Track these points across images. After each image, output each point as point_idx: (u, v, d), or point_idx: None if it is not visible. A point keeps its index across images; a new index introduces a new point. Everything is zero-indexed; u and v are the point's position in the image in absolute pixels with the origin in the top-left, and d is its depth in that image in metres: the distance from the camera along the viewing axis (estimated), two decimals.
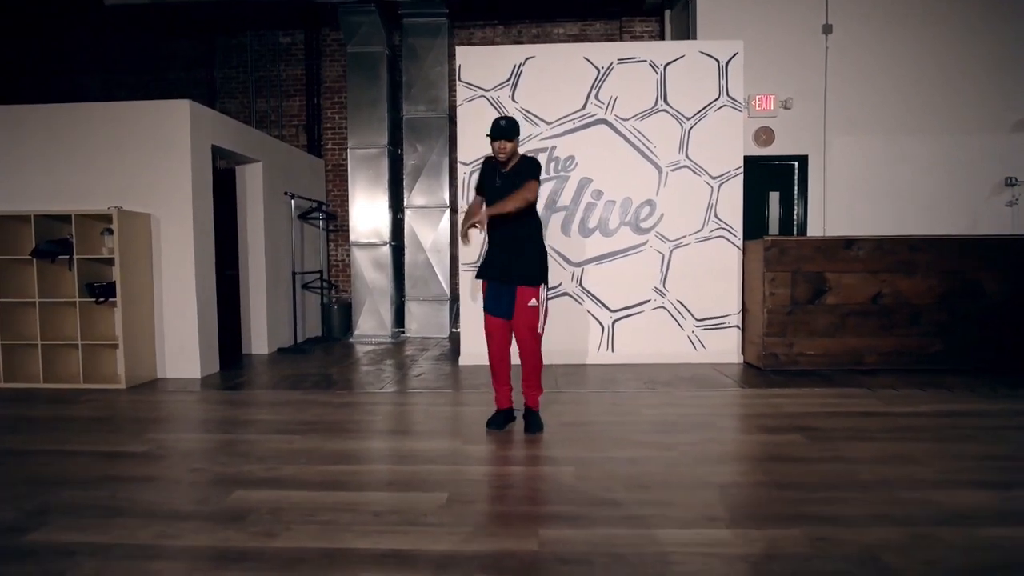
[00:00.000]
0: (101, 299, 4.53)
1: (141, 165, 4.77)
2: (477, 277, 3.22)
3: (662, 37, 7.34)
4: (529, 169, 3.04)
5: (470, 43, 7.59)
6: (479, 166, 5.16)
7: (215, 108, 7.79)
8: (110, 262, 4.57)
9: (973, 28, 6.20)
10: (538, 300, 3.07)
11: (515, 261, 3.04)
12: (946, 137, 6.29)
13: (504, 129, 2.98)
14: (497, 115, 3.14)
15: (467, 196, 5.26)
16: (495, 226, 3.06)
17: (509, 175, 3.06)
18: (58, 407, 3.88)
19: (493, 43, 7.50)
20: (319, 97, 7.81)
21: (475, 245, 5.24)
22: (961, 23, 6.21)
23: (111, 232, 4.50)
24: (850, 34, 6.22)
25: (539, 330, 3.09)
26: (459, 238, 3.25)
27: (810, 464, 2.61)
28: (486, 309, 3.13)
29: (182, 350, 4.87)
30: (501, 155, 3.03)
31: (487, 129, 5.14)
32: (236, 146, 5.48)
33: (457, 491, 2.37)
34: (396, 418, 3.55)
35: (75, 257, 4.47)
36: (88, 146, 4.76)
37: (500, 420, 3.23)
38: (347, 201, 7.31)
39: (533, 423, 3.15)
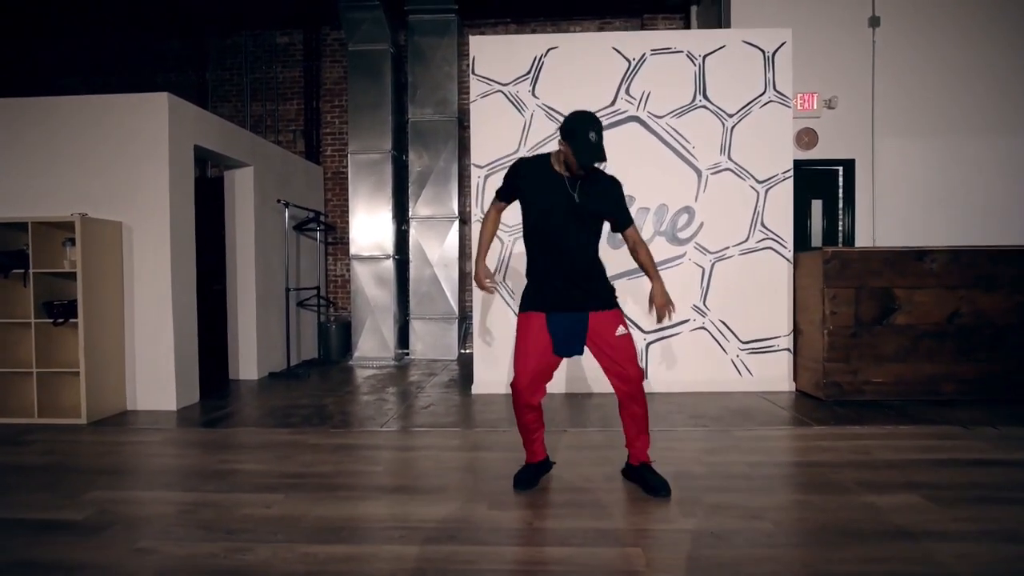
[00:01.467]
0: (60, 320, 3.91)
1: (112, 166, 4.18)
2: (524, 310, 2.47)
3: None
4: (621, 197, 2.47)
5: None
6: (500, 167, 4.58)
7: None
8: (72, 277, 3.96)
9: None
10: (625, 327, 2.46)
11: (583, 282, 2.41)
12: (1004, 138, 5.70)
13: (603, 151, 2.24)
14: (584, 114, 2.31)
15: (482, 204, 4.66)
16: (546, 244, 2.41)
17: (595, 188, 2.37)
18: None
19: (513, 35, 6.96)
20: (318, 100, 7.25)
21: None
22: (1020, 13, 5.65)
23: (73, 243, 3.90)
24: (899, 27, 5.66)
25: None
26: (480, 286, 2.63)
27: (955, 542, 1.97)
28: (556, 352, 2.43)
29: (156, 378, 4.24)
30: (583, 174, 2.33)
31: (504, 127, 4.67)
32: (223, 147, 4.90)
33: None
34: (401, 468, 2.90)
35: (31, 271, 3.86)
36: (51, 145, 4.18)
37: (533, 475, 2.57)
38: (347, 211, 6.72)
39: (658, 482, 2.44)
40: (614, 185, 2.48)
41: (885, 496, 2.37)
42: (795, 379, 4.59)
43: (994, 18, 5.63)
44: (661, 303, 2.53)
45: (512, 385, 2.45)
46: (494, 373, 4.66)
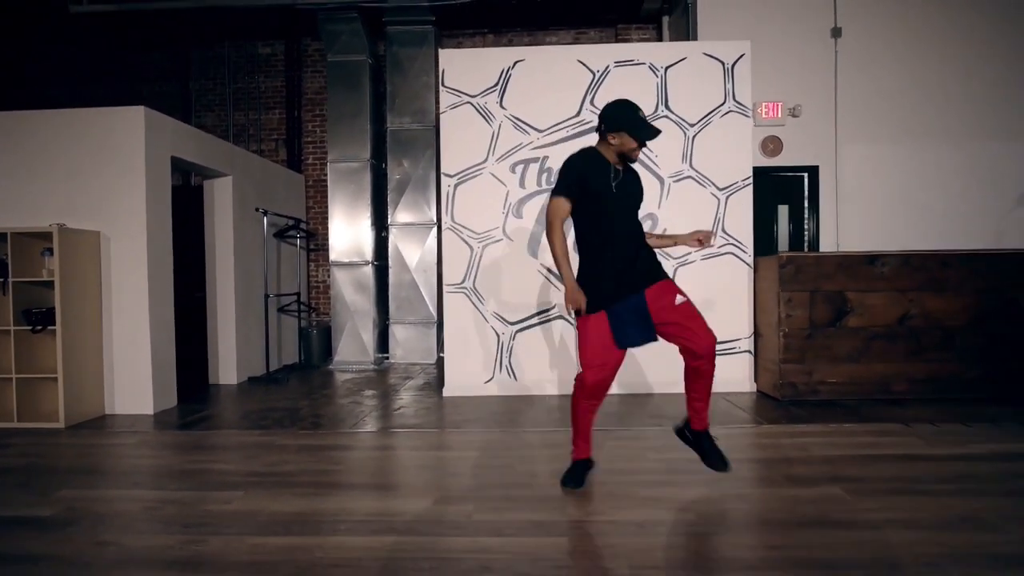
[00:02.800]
0: (39, 327, 4.04)
1: (90, 178, 4.31)
2: (592, 310, 2.43)
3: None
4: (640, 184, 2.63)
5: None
6: (470, 176, 4.73)
7: (191, 121, 7.39)
8: (51, 285, 4.09)
9: (992, 28, 5.82)
10: (682, 294, 2.47)
11: (637, 263, 2.46)
12: (965, 146, 5.88)
13: (656, 127, 2.42)
14: (621, 103, 2.51)
15: (451, 212, 4.81)
16: (608, 232, 2.46)
17: (626, 179, 2.51)
18: None
19: (481, 48, 7.11)
20: (300, 110, 7.40)
21: (461, 263, 4.78)
22: (979, 24, 5.83)
23: (51, 252, 4.03)
24: (861, 37, 5.84)
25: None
26: (574, 305, 2.42)
27: (859, 531, 2.11)
28: (619, 346, 2.44)
29: (134, 383, 4.37)
30: (638, 155, 2.50)
31: (473, 138, 4.82)
32: (200, 158, 5.04)
33: (411, 568, 1.87)
34: (361, 467, 3.04)
35: (10, 280, 4.00)
36: (30, 157, 4.31)
37: (581, 474, 2.60)
38: (327, 219, 6.85)
39: (718, 455, 2.52)
40: (635, 172, 2.63)
41: (808, 489, 2.53)
42: (756, 380, 4.75)
43: (951, 30, 5.81)
44: (703, 235, 2.64)
45: (579, 381, 2.50)
46: (465, 376, 4.80)
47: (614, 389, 4.59)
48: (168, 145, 4.60)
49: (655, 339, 2.47)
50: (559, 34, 7.24)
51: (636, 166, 2.65)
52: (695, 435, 2.60)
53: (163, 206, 4.54)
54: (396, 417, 4.12)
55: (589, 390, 2.49)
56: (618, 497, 2.47)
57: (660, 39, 6.94)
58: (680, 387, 4.62)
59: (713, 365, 2.47)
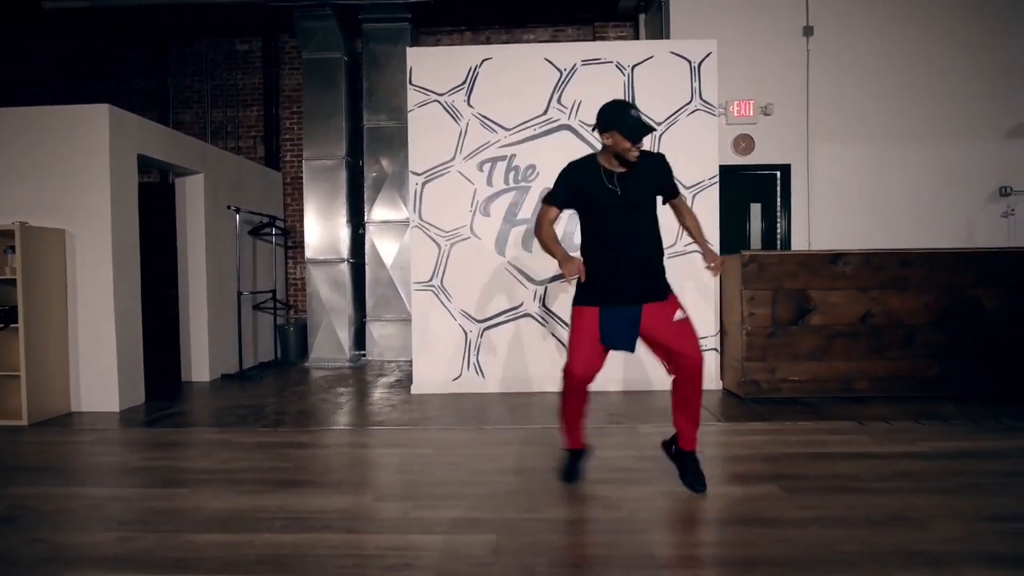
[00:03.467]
0: (1, 325, 4.04)
1: (55, 176, 4.31)
2: (584, 303, 2.46)
3: (635, 41, 6.97)
4: (666, 170, 2.54)
5: (430, 47, 7.20)
6: (437, 174, 4.71)
7: (168, 118, 7.38)
8: (15, 283, 4.09)
9: (964, 28, 5.85)
10: (683, 310, 2.45)
11: (638, 275, 2.42)
12: (937, 144, 5.91)
13: (648, 126, 2.33)
14: (616, 103, 2.43)
15: (419, 210, 4.82)
16: (601, 240, 2.45)
17: (634, 177, 2.40)
18: None
19: (449, 47, 7.11)
20: (277, 107, 7.39)
21: (429, 259, 4.80)
22: (951, 23, 5.85)
23: (14, 250, 4.03)
24: (832, 36, 5.86)
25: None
26: (570, 273, 2.35)
27: (784, 528, 2.14)
28: (604, 343, 2.45)
29: (99, 380, 4.38)
30: (634, 154, 2.35)
31: (440, 136, 4.83)
32: (170, 156, 5.04)
33: (340, 573, 1.89)
34: (309, 464, 3.05)
35: None
36: None
37: (574, 465, 2.64)
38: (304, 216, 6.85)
39: (699, 476, 2.50)
40: (658, 160, 2.53)
41: (745, 487, 2.56)
42: (722, 378, 4.78)
43: (921, 29, 5.83)
44: (717, 261, 2.55)
45: (565, 371, 2.50)
46: (433, 374, 4.81)
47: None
48: (134, 143, 4.60)
49: (632, 351, 2.48)
50: (537, 31, 7.23)
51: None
52: (679, 454, 2.58)
53: (129, 204, 4.54)
54: (358, 415, 4.14)
55: (575, 382, 2.50)
56: (558, 495, 2.50)
57: (637, 37, 6.95)
58: (647, 386, 4.68)
59: (696, 388, 2.46)
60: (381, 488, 2.63)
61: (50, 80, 7.55)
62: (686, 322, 2.45)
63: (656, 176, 2.51)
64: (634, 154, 2.35)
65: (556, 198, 2.50)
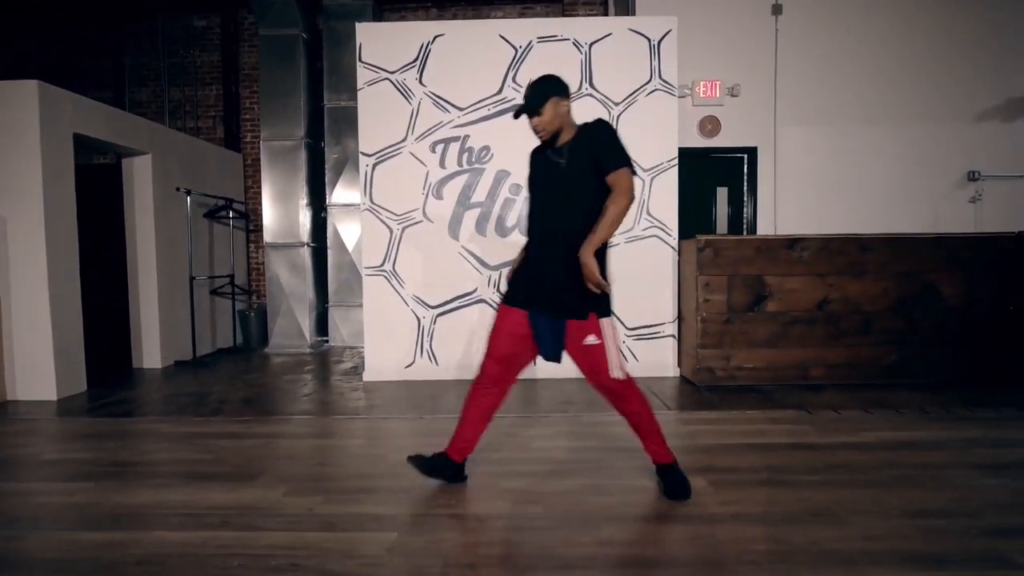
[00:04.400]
0: None
1: None
2: (504, 302, 2.32)
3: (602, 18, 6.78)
4: (604, 137, 2.15)
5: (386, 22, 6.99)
6: (389, 155, 4.53)
7: (124, 98, 7.14)
8: None
9: (935, 12, 5.71)
10: (598, 335, 2.18)
11: (558, 284, 2.16)
12: (905, 128, 5.79)
13: (527, 100, 2.14)
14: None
15: (370, 193, 4.67)
16: (534, 228, 2.26)
17: (569, 156, 2.16)
18: None
19: (400, 22, 6.90)
20: (237, 86, 7.16)
21: (380, 247, 4.66)
22: (922, 7, 5.71)
23: None
24: (801, 16, 5.70)
25: (615, 374, 2.21)
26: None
27: (700, 525, 2.05)
28: (540, 352, 2.27)
29: (35, 367, 4.23)
30: (541, 134, 2.19)
31: (391, 116, 4.67)
32: (112, 136, 4.84)
33: (223, 574, 1.78)
34: (230, 455, 2.92)
35: None
36: None
37: (437, 468, 2.42)
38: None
39: (680, 485, 2.29)
40: (596, 128, 2.20)
41: None
42: (679, 365, 4.69)
43: (892, 11, 5.68)
44: (590, 270, 2.06)
45: (480, 367, 2.37)
46: (386, 361, 4.70)
47: (527, 374, 4.56)
48: (68, 121, 4.40)
49: (559, 361, 2.27)
50: (505, 8, 7.02)
51: None
52: (657, 470, 2.39)
53: (64, 185, 4.35)
54: (301, 403, 4.02)
55: (483, 378, 2.36)
56: (477, 489, 2.40)
57: (606, 14, 6.76)
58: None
59: (629, 408, 2.31)
60: (295, 481, 2.52)
61: (1, 63, 7.27)
62: (598, 349, 2.18)
63: (589, 145, 2.16)
64: (541, 136, 2.23)
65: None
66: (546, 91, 2.20)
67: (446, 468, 2.42)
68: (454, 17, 7.03)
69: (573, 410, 3.67)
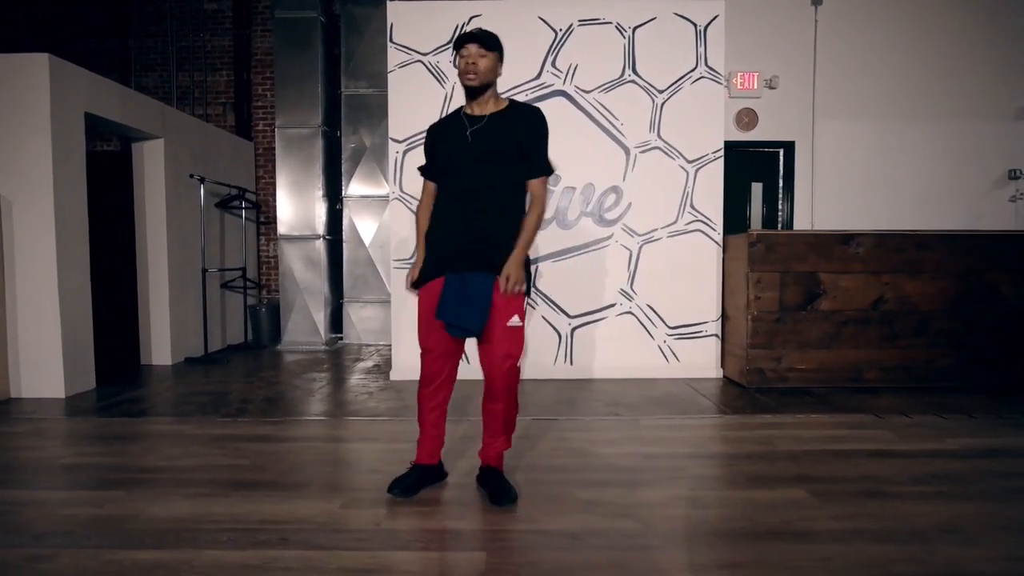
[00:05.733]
0: None
1: None
2: (420, 284, 2.18)
3: None
4: (533, 130, 2.11)
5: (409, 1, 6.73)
6: (420, 142, 4.32)
7: (130, 82, 6.83)
8: None
9: (975, 7, 5.55)
10: (522, 317, 2.10)
11: (487, 237, 2.07)
12: (944, 125, 5.64)
13: (479, 34, 2.05)
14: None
15: (400, 181, 4.42)
16: (448, 195, 2.14)
17: (487, 130, 2.06)
18: None
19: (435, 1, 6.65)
20: (249, 72, 6.88)
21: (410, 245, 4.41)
22: (961, 1, 5.55)
23: None
24: (842, 7, 5.52)
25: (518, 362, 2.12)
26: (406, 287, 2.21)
27: (823, 544, 1.83)
28: (440, 317, 2.05)
29: (42, 363, 3.94)
30: (470, 76, 2.02)
31: (424, 100, 4.42)
32: (122, 116, 4.55)
33: None
34: (269, 461, 2.67)
35: None
36: None
37: (415, 482, 2.21)
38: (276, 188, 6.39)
39: (501, 490, 2.14)
40: (529, 116, 2.14)
41: (770, 491, 2.24)
42: (722, 366, 4.48)
43: (935, 4, 5.52)
44: (510, 277, 2.05)
45: (421, 369, 2.18)
46: (412, 358, 4.43)
47: (562, 374, 4.34)
48: (81, 100, 4.12)
49: (476, 334, 2.06)
50: None
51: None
52: (490, 473, 2.22)
53: (75, 167, 4.07)
54: (331, 403, 3.77)
55: (422, 377, 2.17)
56: (553, 501, 2.16)
57: None
58: (632, 373, 4.37)
59: (507, 397, 2.14)
60: (350, 491, 2.27)
61: (2, 41, 6.93)
62: (520, 331, 2.10)
63: (519, 131, 2.10)
64: (469, 78, 2.05)
65: (425, 170, 2.27)
66: (499, 43, 2.12)
67: (433, 474, 2.28)
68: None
69: (626, 413, 3.44)
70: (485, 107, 2.14)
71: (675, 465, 2.53)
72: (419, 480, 2.23)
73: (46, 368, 3.94)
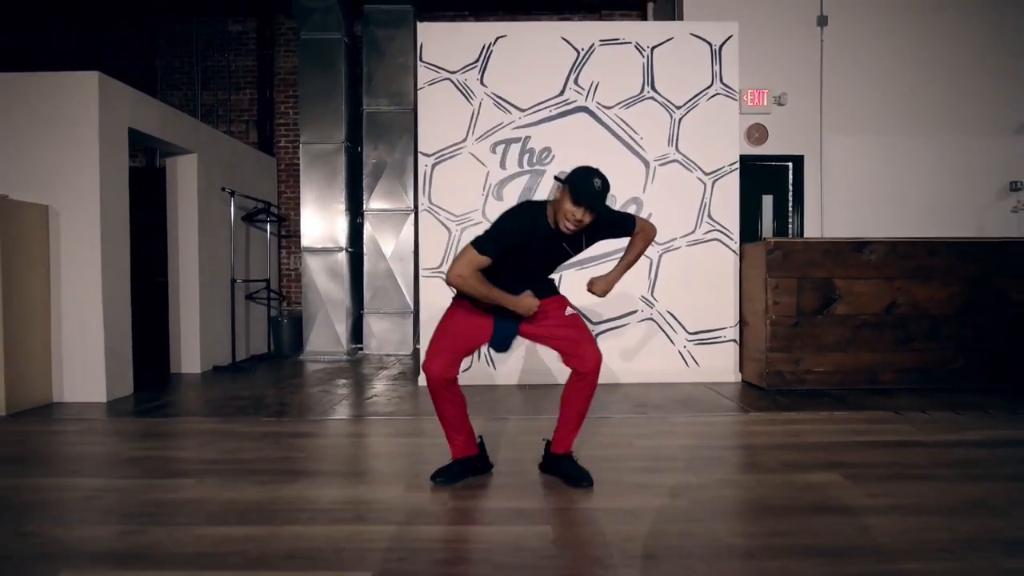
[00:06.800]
0: None
1: (39, 147, 4.00)
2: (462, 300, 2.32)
3: None
4: (614, 218, 2.34)
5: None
6: (448, 155, 4.47)
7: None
8: None
9: (976, 24, 5.81)
10: (574, 308, 2.37)
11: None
12: (947, 138, 5.85)
13: (601, 195, 2.01)
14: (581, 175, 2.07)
15: (428, 193, 4.60)
16: (518, 274, 2.24)
17: (576, 236, 2.17)
18: None
19: (462, 22, 6.90)
20: (272, 90, 7.10)
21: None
22: (963, 19, 5.81)
23: None
24: (847, 27, 5.77)
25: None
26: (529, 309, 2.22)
27: (863, 516, 1.97)
28: (494, 346, 2.35)
29: (85, 369, 4.07)
30: (570, 227, 2.06)
31: (452, 116, 4.61)
32: (162, 132, 4.74)
33: (387, 567, 1.66)
34: (327, 455, 2.81)
35: None
36: None
37: (457, 472, 2.34)
38: (300, 203, 6.57)
39: (580, 474, 2.29)
40: (604, 222, 2.23)
41: (806, 475, 2.38)
42: (741, 370, 4.62)
43: (936, 22, 5.78)
44: (604, 290, 2.44)
45: (425, 369, 2.26)
46: None
47: (602, 377, 4.47)
48: (126, 115, 4.31)
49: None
50: (542, 19, 7.05)
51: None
52: (557, 460, 2.38)
53: (119, 180, 4.24)
54: (368, 405, 3.90)
55: (436, 374, 2.27)
56: (604, 484, 2.29)
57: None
58: (654, 377, 4.50)
59: (592, 381, 2.33)
60: (410, 478, 2.40)
61: (33, 56, 7.16)
62: (577, 317, 2.37)
63: (602, 228, 2.24)
64: (568, 225, 2.05)
65: (492, 250, 2.11)
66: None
67: (474, 465, 2.41)
68: None
69: (654, 412, 3.58)
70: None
71: (711, 455, 2.67)
72: (462, 471, 2.35)
73: (89, 373, 4.07)
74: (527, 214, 2.19)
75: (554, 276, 2.50)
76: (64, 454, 2.92)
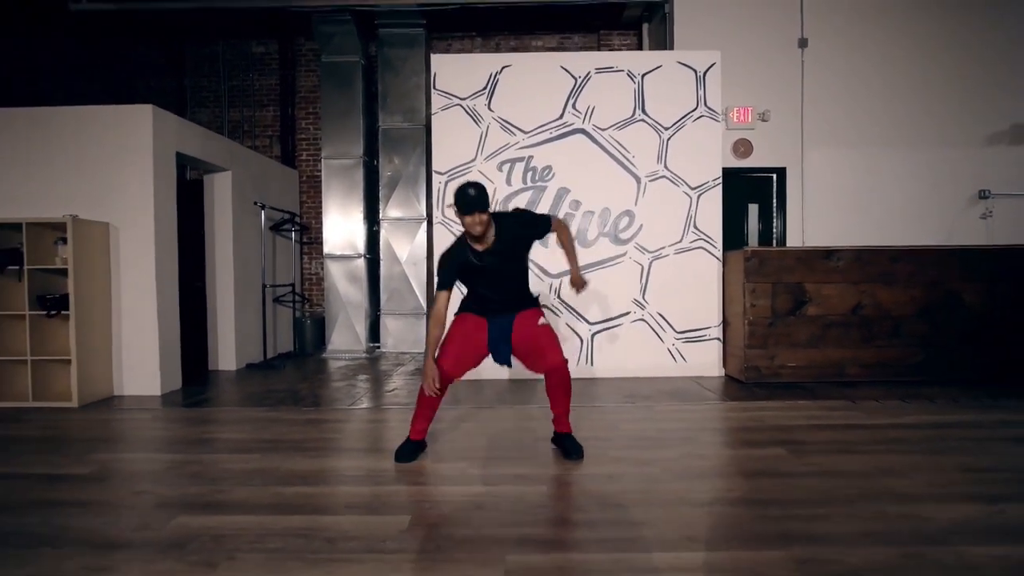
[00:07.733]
0: (53, 312, 4.29)
1: (100, 172, 4.56)
2: (463, 311, 2.84)
3: (640, 50, 7.33)
4: (526, 219, 2.79)
5: (447, 54, 7.51)
6: (459, 174, 5.07)
7: (186, 117, 7.59)
8: (64, 273, 4.33)
9: (945, 43, 6.28)
10: (546, 318, 2.83)
11: (513, 300, 2.81)
12: (921, 150, 6.33)
13: (477, 199, 2.43)
14: (467, 185, 2.53)
15: (442, 207, 5.13)
16: (482, 296, 2.77)
17: (497, 246, 2.61)
18: (0, 427, 3.62)
19: (471, 54, 7.42)
20: (293, 108, 7.66)
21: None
22: (934, 39, 6.28)
23: (65, 241, 4.28)
24: (825, 48, 6.26)
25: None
26: (428, 389, 2.67)
27: (794, 479, 2.49)
28: (490, 351, 2.79)
29: (141, 365, 4.64)
30: (478, 228, 2.48)
31: (462, 137, 5.15)
32: (203, 154, 5.30)
33: (420, 514, 2.20)
34: (362, 435, 3.35)
35: (26, 267, 4.24)
36: (44, 152, 4.55)
37: (414, 451, 2.84)
38: (321, 213, 7.13)
39: (576, 447, 2.82)
40: (515, 218, 2.75)
41: (757, 449, 2.90)
42: (724, 365, 5.13)
43: (907, 44, 6.25)
44: (579, 282, 2.95)
45: (439, 365, 2.70)
46: None
47: (583, 373, 5.01)
48: (173, 140, 4.86)
49: (508, 363, 2.83)
50: (544, 38, 7.57)
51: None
52: (558, 437, 2.91)
53: (169, 199, 4.80)
54: (390, 396, 4.44)
55: (441, 373, 2.70)
56: (591, 457, 2.82)
57: (640, 45, 7.31)
58: (644, 372, 5.01)
59: (568, 378, 2.84)
60: (434, 453, 2.93)
61: (67, 78, 7.74)
62: (548, 327, 2.80)
63: (519, 234, 2.71)
64: (473, 235, 2.51)
65: (447, 283, 2.67)
66: (488, 199, 2.54)
67: (418, 448, 2.87)
68: (497, 46, 7.58)
69: (641, 402, 4.10)
70: (487, 237, 2.62)
71: (684, 436, 3.19)
72: (414, 451, 2.84)
73: (145, 369, 4.63)
74: (453, 246, 2.72)
75: (538, 290, 3.01)
76: (142, 436, 3.47)
